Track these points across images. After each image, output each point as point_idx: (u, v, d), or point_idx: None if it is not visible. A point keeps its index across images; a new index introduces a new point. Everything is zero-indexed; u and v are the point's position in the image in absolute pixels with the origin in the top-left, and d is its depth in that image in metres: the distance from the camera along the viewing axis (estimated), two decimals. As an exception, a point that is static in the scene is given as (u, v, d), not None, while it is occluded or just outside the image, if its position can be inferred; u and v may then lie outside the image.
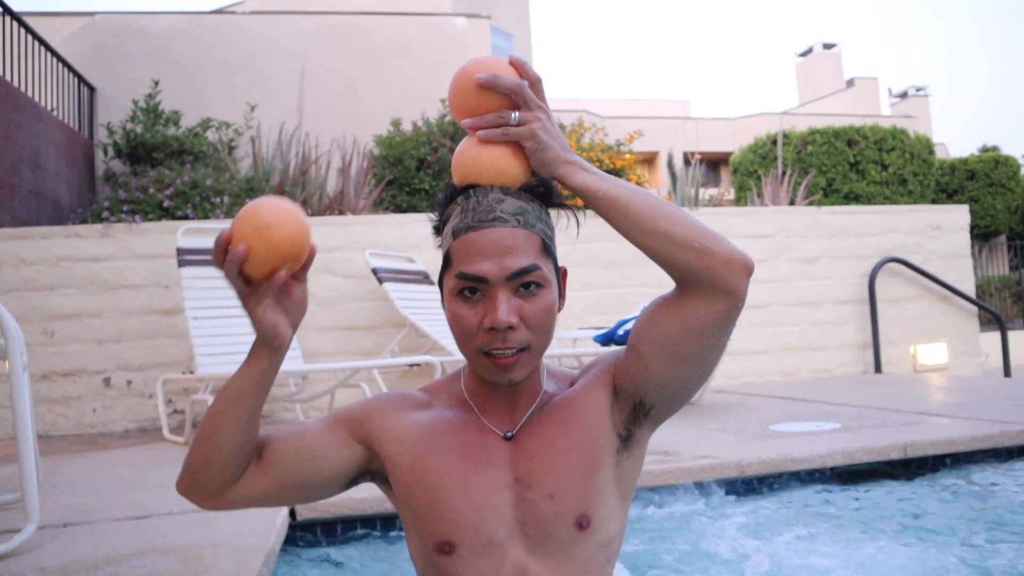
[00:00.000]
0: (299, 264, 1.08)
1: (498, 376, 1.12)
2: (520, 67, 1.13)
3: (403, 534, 2.71)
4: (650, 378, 1.13)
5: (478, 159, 1.13)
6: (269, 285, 1.06)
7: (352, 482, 1.24)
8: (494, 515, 1.14)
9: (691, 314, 1.08)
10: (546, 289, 1.12)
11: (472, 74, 1.11)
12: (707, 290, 1.06)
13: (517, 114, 1.11)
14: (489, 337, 1.10)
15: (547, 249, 1.15)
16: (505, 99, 1.12)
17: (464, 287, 1.11)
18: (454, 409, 1.22)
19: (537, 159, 1.12)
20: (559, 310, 1.16)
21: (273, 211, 1.04)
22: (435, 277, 5.82)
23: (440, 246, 1.19)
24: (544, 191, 1.17)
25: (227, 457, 1.13)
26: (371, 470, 1.23)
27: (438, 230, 1.20)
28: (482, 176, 1.14)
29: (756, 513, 2.87)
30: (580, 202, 1.19)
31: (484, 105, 1.12)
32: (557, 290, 1.16)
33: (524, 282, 1.10)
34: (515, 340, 1.10)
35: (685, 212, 1.09)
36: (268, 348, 1.10)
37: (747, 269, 1.05)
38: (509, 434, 1.18)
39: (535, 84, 1.13)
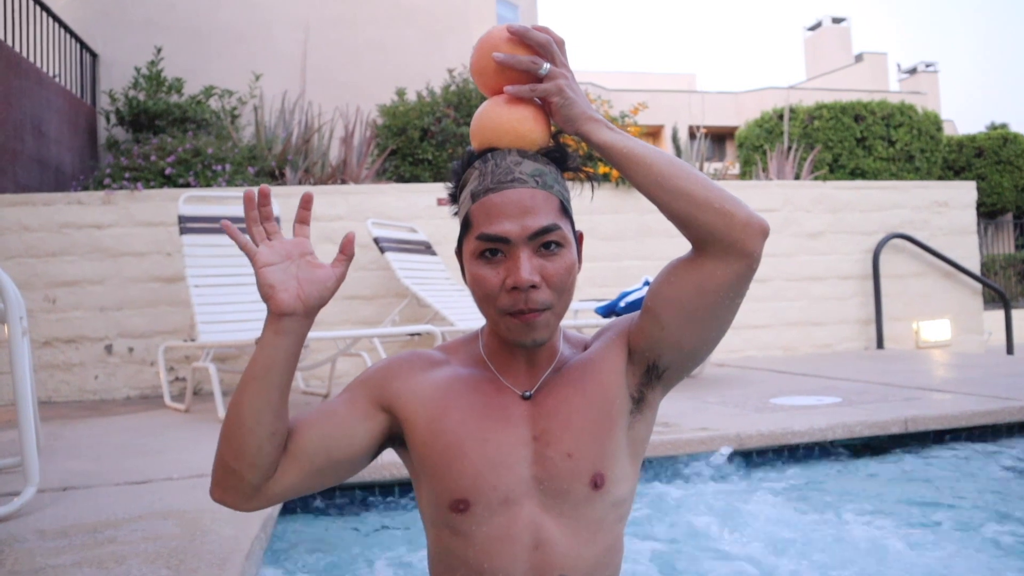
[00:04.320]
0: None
1: (522, 336, 1.13)
2: (546, 31, 1.15)
3: (399, 498, 2.74)
4: (665, 338, 1.15)
5: (499, 121, 1.14)
6: (287, 252, 1.10)
7: (377, 452, 1.23)
8: (512, 472, 1.14)
9: (707, 274, 1.09)
10: (566, 249, 1.13)
11: (502, 32, 1.14)
12: (724, 251, 1.08)
13: (548, 65, 1.12)
14: (512, 298, 1.10)
15: (565, 210, 1.16)
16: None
17: (485, 248, 1.11)
18: (471, 368, 1.23)
19: (563, 115, 1.13)
20: (577, 272, 1.17)
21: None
22: (437, 247, 5.80)
23: (457, 213, 1.19)
24: (560, 155, 1.18)
25: (257, 446, 1.09)
26: (392, 435, 1.22)
27: (455, 197, 1.20)
28: (502, 139, 1.15)
29: (755, 486, 2.88)
30: (604, 169, 1.19)
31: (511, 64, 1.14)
32: (576, 251, 1.17)
33: (545, 241, 1.11)
34: (538, 300, 1.10)
35: (705, 175, 1.11)
36: (271, 315, 1.10)
37: (763, 233, 1.09)
38: (527, 393, 1.19)
39: (560, 45, 1.15)
